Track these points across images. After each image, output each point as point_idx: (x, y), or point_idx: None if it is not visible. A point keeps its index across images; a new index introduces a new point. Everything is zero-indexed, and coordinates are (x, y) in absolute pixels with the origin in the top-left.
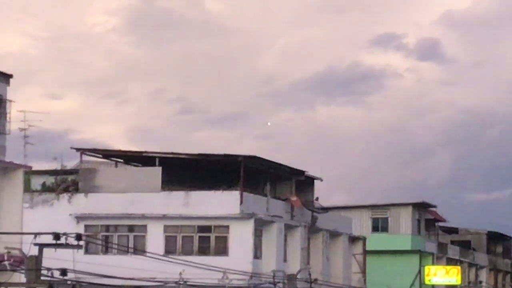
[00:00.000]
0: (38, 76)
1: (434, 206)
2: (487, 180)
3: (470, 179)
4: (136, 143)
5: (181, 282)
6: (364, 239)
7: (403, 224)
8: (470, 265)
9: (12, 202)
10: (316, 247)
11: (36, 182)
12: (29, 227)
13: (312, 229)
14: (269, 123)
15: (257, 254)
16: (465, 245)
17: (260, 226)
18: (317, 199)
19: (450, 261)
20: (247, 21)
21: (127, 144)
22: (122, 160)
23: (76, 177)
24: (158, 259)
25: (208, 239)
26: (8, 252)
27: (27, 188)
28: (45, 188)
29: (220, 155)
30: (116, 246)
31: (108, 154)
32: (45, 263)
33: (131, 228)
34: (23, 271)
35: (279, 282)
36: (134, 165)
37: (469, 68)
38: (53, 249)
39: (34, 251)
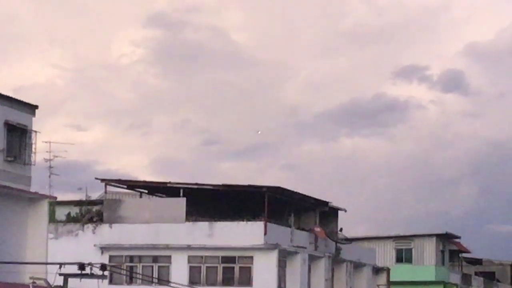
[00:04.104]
0: (63, 107)
1: (458, 237)
2: None
3: (494, 210)
4: (160, 174)
5: None
6: (388, 270)
7: (427, 255)
8: None
9: (37, 233)
10: (340, 278)
11: (61, 213)
12: (54, 257)
13: (336, 260)
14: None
15: (281, 284)
16: (490, 276)
17: (284, 257)
18: (341, 230)
19: None
20: (272, 52)
21: (151, 175)
22: (146, 191)
23: (101, 208)
24: None
25: (232, 270)
26: (34, 282)
27: (52, 219)
28: (70, 219)
29: (244, 186)
30: (140, 277)
31: (132, 185)
32: None
33: (155, 259)
34: None
35: None
36: (159, 196)
37: (494, 100)
38: (78, 279)
39: (59, 281)
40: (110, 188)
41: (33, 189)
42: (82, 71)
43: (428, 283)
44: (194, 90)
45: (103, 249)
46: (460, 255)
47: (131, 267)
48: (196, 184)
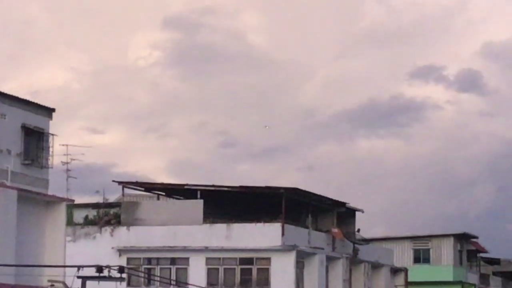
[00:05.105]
0: (81, 110)
1: (476, 237)
2: None
3: None
4: (178, 176)
5: None
6: (406, 271)
7: (445, 255)
8: None
9: (55, 235)
10: (357, 278)
11: (79, 216)
12: (72, 260)
13: (354, 261)
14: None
15: (299, 286)
16: (507, 276)
17: (302, 258)
18: (358, 230)
19: None
20: (288, 53)
21: (169, 177)
22: (164, 193)
23: (118, 210)
24: None
25: (250, 271)
26: (52, 285)
27: (70, 222)
28: (88, 222)
29: (262, 188)
30: (158, 279)
31: (150, 187)
32: None
33: (173, 261)
34: None
35: None
36: (176, 198)
37: (510, 99)
38: (96, 282)
39: (77, 284)
40: (128, 191)
41: (50, 192)
42: (99, 74)
43: (446, 283)
44: (211, 92)
45: (121, 251)
46: (478, 255)
47: (149, 269)
48: (214, 186)
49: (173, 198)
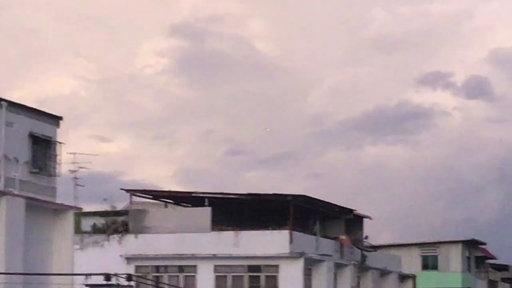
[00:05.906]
0: (88, 118)
1: (484, 244)
2: None
3: None
4: (185, 184)
5: None
6: (414, 277)
7: (453, 261)
8: None
9: (63, 244)
10: (366, 285)
11: (87, 224)
12: (80, 268)
13: (362, 268)
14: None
15: None
16: None
17: (310, 265)
18: (366, 237)
19: None
20: (296, 60)
21: (176, 185)
22: (171, 201)
23: (126, 218)
24: None
25: (258, 279)
26: None
27: (78, 230)
28: (96, 230)
29: (269, 195)
30: (166, 287)
31: (157, 195)
32: None
33: (181, 269)
34: None
35: None
36: (184, 206)
37: None
38: None
39: None
40: (136, 199)
41: (58, 200)
42: (107, 82)
43: None
44: (218, 100)
45: (129, 259)
46: (486, 261)
47: (157, 277)
48: (221, 193)
49: (181, 205)
